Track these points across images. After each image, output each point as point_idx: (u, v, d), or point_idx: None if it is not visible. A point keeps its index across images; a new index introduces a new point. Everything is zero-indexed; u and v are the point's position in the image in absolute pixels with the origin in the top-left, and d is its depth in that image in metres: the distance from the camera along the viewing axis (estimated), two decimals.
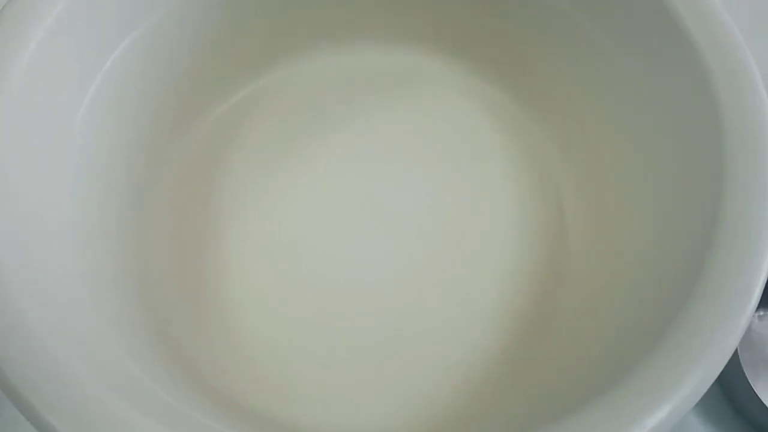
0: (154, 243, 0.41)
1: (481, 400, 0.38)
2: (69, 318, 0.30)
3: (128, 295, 0.38)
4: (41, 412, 0.25)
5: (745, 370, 0.38)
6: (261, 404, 0.37)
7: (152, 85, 0.41)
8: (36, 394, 0.25)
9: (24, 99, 0.33)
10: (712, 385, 0.26)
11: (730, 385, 0.40)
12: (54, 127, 0.35)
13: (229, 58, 0.45)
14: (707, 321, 0.27)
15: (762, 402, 0.37)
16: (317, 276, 0.41)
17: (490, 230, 0.43)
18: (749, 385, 0.38)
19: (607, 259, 0.39)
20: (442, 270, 0.41)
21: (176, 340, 0.39)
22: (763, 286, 0.28)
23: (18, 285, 0.28)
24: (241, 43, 0.45)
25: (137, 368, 0.31)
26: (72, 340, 0.28)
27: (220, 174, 0.44)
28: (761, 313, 0.41)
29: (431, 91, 0.48)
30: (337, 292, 0.41)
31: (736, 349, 0.38)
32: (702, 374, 0.26)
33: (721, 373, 0.26)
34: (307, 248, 0.42)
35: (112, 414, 0.26)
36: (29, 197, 0.32)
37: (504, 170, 0.45)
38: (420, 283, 0.41)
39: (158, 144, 0.43)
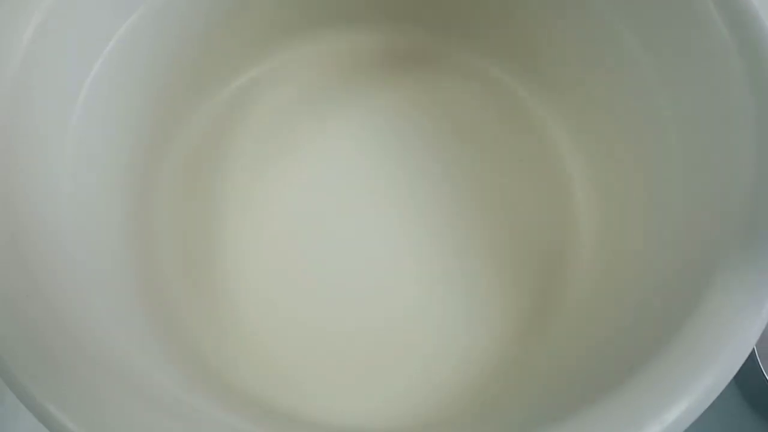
0: (156, 235, 0.41)
1: (490, 390, 0.37)
2: (72, 312, 0.30)
3: (133, 287, 0.37)
4: (42, 400, 0.25)
5: (760, 362, 0.37)
6: (269, 395, 0.37)
7: (149, 75, 0.40)
8: (37, 383, 0.25)
9: (20, 87, 0.32)
10: None
11: (744, 377, 0.39)
12: (51, 119, 0.34)
13: (228, 43, 0.44)
14: (726, 314, 0.26)
15: None
16: (323, 263, 0.41)
17: (496, 219, 0.42)
18: (764, 377, 0.37)
19: (618, 250, 0.38)
20: (448, 259, 0.41)
21: (183, 332, 0.38)
22: None
23: (18, 280, 0.28)
24: (241, 28, 0.44)
25: (145, 361, 0.31)
26: (77, 333, 0.28)
27: (222, 163, 0.44)
28: None
29: (434, 76, 0.47)
30: (342, 280, 0.40)
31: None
32: (722, 366, 0.25)
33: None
34: (312, 237, 0.41)
35: (119, 406, 0.26)
36: (27, 192, 0.32)
37: (511, 157, 0.44)
38: (425, 273, 0.41)
39: (157, 134, 0.42)
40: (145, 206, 0.41)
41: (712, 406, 0.39)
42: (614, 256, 0.38)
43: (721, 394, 0.31)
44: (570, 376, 0.32)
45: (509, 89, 0.46)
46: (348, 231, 0.42)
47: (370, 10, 0.46)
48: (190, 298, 0.39)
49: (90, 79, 0.36)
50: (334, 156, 0.44)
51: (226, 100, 0.45)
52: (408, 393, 0.37)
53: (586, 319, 0.37)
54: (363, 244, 0.41)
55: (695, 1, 0.33)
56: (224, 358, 0.37)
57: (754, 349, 0.38)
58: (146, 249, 0.40)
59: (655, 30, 0.36)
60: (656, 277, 0.33)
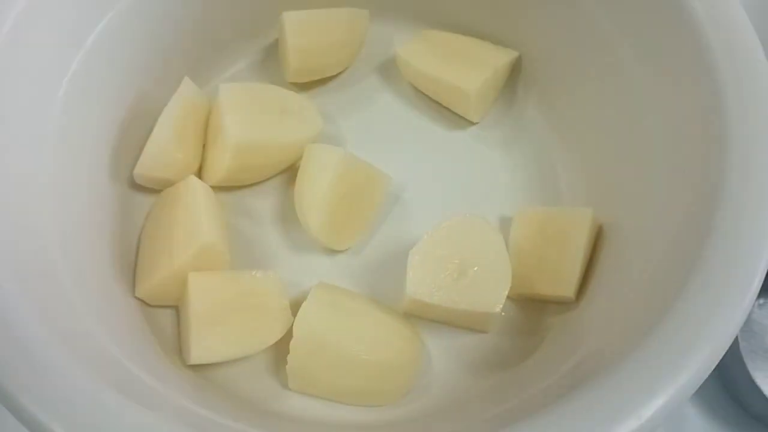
0: (139, 227, 0.41)
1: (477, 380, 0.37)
2: (50, 304, 0.30)
3: (114, 280, 0.37)
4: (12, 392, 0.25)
5: (745, 360, 0.37)
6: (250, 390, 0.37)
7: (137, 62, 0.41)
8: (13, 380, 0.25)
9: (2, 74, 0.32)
10: (710, 374, 0.26)
11: (729, 375, 0.39)
12: (34, 107, 0.34)
13: (219, 30, 0.45)
14: (706, 308, 0.26)
15: (762, 392, 0.37)
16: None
17: (481, 203, 0.43)
18: (749, 374, 0.37)
19: (601, 243, 0.38)
20: None
21: (163, 327, 0.38)
22: (764, 273, 0.27)
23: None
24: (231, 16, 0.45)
25: (117, 350, 0.31)
26: (58, 333, 0.28)
27: None
28: (761, 301, 0.40)
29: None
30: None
31: (736, 338, 0.37)
32: (700, 362, 0.25)
33: (720, 362, 0.26)
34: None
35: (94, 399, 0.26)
36: (7, 186, 0.32)
37: (497, 143, 0.45)
38: None
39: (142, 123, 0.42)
40: (127, 204, 0.41)
41: (696, 402, 0.40)
42: (596, 248, 0.38)
43: (704, 389, 0.31)
44: (551, 374, 0.32)
45: None
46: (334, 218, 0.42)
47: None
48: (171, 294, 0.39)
49: (75, 62, 0.36)
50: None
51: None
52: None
53: (570, 313, 0.37)
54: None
55: (685, 12, 0.33)
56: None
57: (738, 344, 0.38)
58: (126, 242, 0.40)
59: (646, 38, 0.36)
60: (637, 270, 0.33)
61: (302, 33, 0.44)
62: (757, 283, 0.27)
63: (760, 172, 0.29)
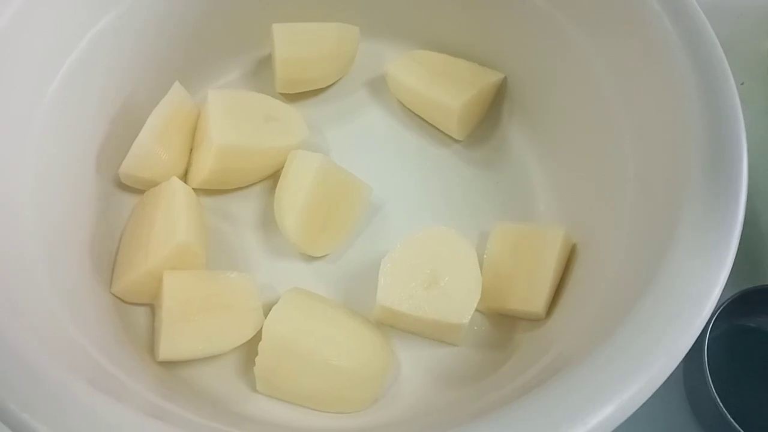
0: (122, 226, 0.42)
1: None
2: (22, 295, 0.31)
3: (92, 276, 0.38)
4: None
5: (712, 386, 0.37)
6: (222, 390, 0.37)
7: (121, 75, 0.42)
8: None
9: None
10: (678, 398, 0.26)
11: (696, 399, 0.39)
12: (22, 104, 0.35)
13: (212, 40, 0.46)
14: (660, 322, 0.27)
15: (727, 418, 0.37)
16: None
17: (460, 218, 0.44)
18: (716, 400, 0.37)
19: (573, 261, 0.39)
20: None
21: (138, 324, 0.39)
22: (719, 294, 0.27)
23: None
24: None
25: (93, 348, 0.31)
26: (29, 323, 0.29)
27: None
28: None
29: None
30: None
31: (704, 360, 0.37)
32: (649, 375, 0.25)
33: (687, 385, 0.26)
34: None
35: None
36: None
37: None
38: None
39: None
40: (112, 203, 0.42)
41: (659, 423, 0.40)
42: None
43: (670, 409, 0.31)
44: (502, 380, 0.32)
45: None
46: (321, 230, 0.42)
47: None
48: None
49: (64, 68, 0.37)
50: None
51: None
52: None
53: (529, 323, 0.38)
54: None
55: (652, 23, 0.34)
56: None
57: (705, 367, 0.38)
58: (110, 245, 0.41)
59: (624, 66, 0.37)
60: (595, 281, 0.33)
61: (290, 45, 0.45)
62: (711, 303, 0.27)
63: (722, 194, 0.29)
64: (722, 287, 0.27)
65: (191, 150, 0.43)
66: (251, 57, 0.49)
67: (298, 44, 0.45)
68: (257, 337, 0.36)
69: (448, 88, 0.45)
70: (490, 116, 0.48)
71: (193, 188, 0.41)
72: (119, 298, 0.39)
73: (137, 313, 0.39)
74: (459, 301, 0.36)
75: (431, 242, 0.38)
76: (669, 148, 0.33)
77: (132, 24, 0.41)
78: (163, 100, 0.42)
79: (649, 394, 0.25)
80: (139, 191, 0.42)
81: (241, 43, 0.48)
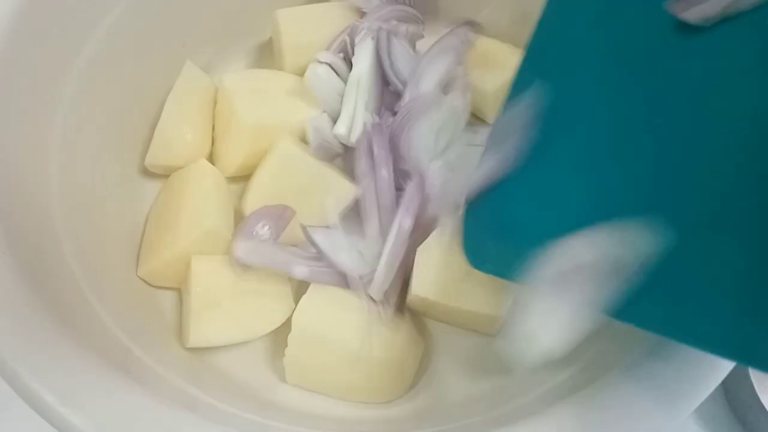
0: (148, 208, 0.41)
1: None
2: (50, 278, 0.30)
3: (118, 260, 0.37)
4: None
5: (752, 379, 0.36)
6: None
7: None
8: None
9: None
10: (715, 392, 0.25)
11: (735, 393, 0.38)
12: (43, 94, 0.35)
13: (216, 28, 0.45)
14: None
15: (767, 411, 0.36)
16: None
17: None
18: (755, 394, 0.36)
19: None
20: None
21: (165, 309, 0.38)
22: None
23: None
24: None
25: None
26: (56, 307, 0.28)
27: None
28: None
29: None
30: None
31: None
32: (699, 379, 0.24)
33: (727, 380, 0.25)
34: None
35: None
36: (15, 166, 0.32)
37: None
38: None
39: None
40: (137, 185, 0.41)
41: (699, 418, 0.39)
42: None
43: (708, 406, 0.30)
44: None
45: None
46: None
47: None
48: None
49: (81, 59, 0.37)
50: None
51: None
52: None
53: None
54: None
55: None
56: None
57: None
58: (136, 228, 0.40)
59: None
60: None
61: (296, 29, 0.43)
62: None
63: None
64: None
65: (213, 139, 0.42)
66: (252, 43, 0.48)
67: (304, 28, 0.43)
68: (287, 324, 0.35)
69: (481, 70, 0.43)
70: None
71: (228, 177, 0.40)
72: (145, 281, 0.38)
73: (165, 297, 0.39)
74: (494, 293, 0.35)
75: None
76: None
77: (143, 12, 0.40)
78: (177, 81, 0.41)
79: (702, 400, 0.24)
80: (164, 176, 0.41)
81: (243, 30, 0.47)
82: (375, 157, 0.38)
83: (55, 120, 0.35)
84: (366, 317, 0.36)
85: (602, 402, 0.25)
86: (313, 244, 0.36)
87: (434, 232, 0.36)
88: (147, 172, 0.42)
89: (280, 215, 0.37)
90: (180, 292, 0.39)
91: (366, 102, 0.40)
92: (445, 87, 0.41)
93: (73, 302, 0.30)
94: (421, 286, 0.35)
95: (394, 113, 0.40)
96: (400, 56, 0.42)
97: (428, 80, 0.41)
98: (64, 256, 0.32)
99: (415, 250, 0.36)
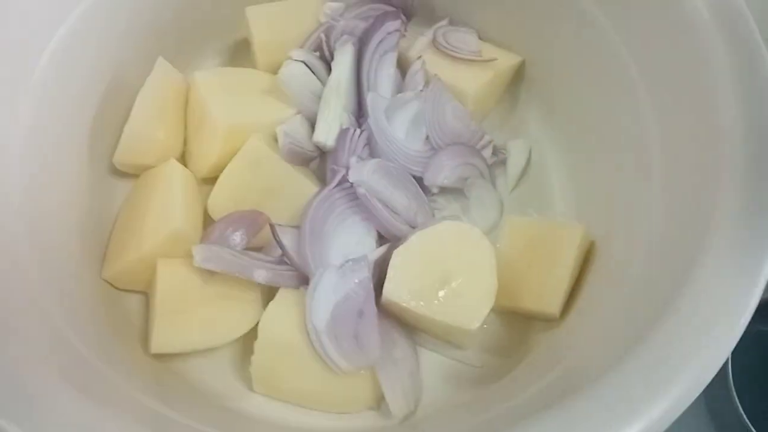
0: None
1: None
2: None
3: (83, 262, 0.36)
4: None
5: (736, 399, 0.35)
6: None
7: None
8: None
9: None
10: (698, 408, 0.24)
11: (719, 412, 0.37)
12: (8, 86, 0.33)
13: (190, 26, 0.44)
14: (694, 330, 0.24)
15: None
16: None
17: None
18: (738, 408, 0.35)
19: (592, 259, 0.36)
20: None
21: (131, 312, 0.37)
22: (759, 297, 0.25)
23: None
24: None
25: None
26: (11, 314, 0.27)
27: None
28: None
29: None
30: None
31: (728, 367, 0.35)
32: (679, 392, 0.23)
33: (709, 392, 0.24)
34: None
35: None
36: None
37: None
38: None
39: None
40: (106, 196, 0.39)
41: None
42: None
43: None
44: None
45: None
46: None
47: None
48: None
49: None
50: None
51: None
52: None
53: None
54: None
55: (689, 22, 0.32)
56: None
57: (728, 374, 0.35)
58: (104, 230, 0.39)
59: (651, 51, 0.34)
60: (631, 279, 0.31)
61: (267, 27, 0.42)
62: (750, 309, 0.25)
63: (758, 192, 0.27)
64: (762, 291, 0.25)
65: (186, 139, 0.41)
66: (227, 41, 0.47)
67: (275, 25, 0.42)
68: (255, 330, 0.34)
69: (463, 71, 0.42)
70: (507, 100, 0.45)
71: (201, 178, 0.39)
72: (111, 284, 0.37)
73: (131, 300, 0.37)
74: (470, 306, 0.34)
75: (447, 237, 0.35)
76: (700, 137, 0.30)
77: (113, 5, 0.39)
78: (149, 78, 0.39)
79: (680, 412, 0.23)
80: (135, 176, 0.40)
81: (216, 27, 0.45)
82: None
83: (19, 115, 0.33)
84: None
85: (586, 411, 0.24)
86: (280, 244, 0.34)
87: (415, 234, 0.35)
88: (118, 172, 0.40)
89: (252, 221, 0.36)
90: (147, 295, 0.37)
91: (344, 106, 0.39)
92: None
93: (27, 312, 0.28)
94: (394, 290, 0.34)
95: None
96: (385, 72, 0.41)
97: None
98: (19, 259, 0.30)
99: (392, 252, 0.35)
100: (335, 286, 0.33)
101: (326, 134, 0.38)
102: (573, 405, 0.24)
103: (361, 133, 0.38)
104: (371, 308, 0.33)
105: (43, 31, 0.35)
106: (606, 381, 0.24)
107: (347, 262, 0.34)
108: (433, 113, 0.40)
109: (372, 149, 0.39)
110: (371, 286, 0.33)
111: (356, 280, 0.33)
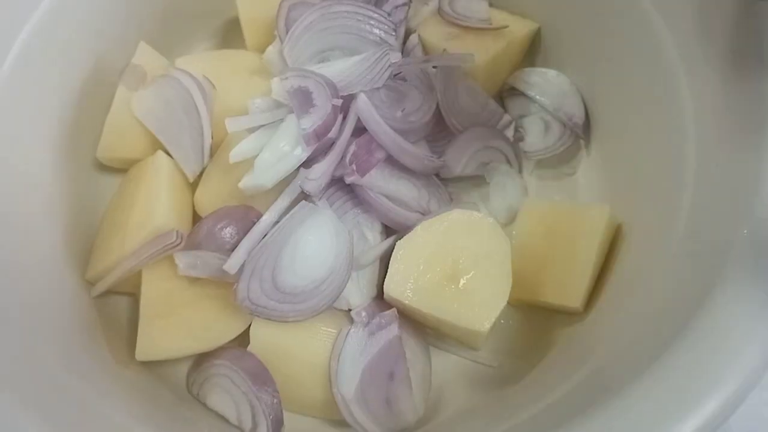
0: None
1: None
2: None
3: (66, 262, 0.34)
4: None
5: None
6: None
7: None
8: None
9: None
10: None
11: None
12: None
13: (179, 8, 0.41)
14: (735, 328, 0.21)
15: None
16: None
17: None
18: None
19: (617, 246, 0.33)
20: None
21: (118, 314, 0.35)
22: None
23: None
24: None
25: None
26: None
27: None
28: None
29: None
30: None
31: None
32: (723, 396, 0.20)
33: None
34: None
35: None
36: None
37: None
38: None
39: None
40: (92, 193, 0.37)
41: None
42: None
43: None
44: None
45: None
46: None
47: None
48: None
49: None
50: None
51: None
52: None
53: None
54: None
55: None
56: None
57: None
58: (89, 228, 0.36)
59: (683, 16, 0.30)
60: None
61: (254, 4, 0.39)
62: None
63: None
64: None
65: None
66: (219, 22, 0.44)
67: (262, 3, 0.39)
68: (246, 334, 0.31)
69: (472, 41, 0.39)
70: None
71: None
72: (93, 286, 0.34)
73: (119, 302, 0.35)
74: (480, 304, 0.30)
75: (458, 228, 0.32)
76: (742, 131, 0.26)
77: None
78: (130, 63, 0.36)
79: (724, 421, 0.20)
80: (123, 171, 0.37)
81: (208, 7, 0.43)
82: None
83: None
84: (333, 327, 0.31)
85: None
86: None
87: (420, 224, 0.32)
88: (105, 168, 0.38)
89: (243, 216, 0.33)
90: (136, 296, 0.35)
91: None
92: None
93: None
94: (396, 287, 0.31)
95: None
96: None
97: None
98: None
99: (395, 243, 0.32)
100: (363, 348, 0.30)
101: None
102: (608, 413, 0.21)
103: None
104: (402, 369, 0.30)
105: (19, 11, 0.33)
106: (641, 384, 0.21)
107: (375, 317, 0.31)
108: (445, 95, 0.36)
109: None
110: (401, 344, 0.30)
111: (386, 339, 0.30)
